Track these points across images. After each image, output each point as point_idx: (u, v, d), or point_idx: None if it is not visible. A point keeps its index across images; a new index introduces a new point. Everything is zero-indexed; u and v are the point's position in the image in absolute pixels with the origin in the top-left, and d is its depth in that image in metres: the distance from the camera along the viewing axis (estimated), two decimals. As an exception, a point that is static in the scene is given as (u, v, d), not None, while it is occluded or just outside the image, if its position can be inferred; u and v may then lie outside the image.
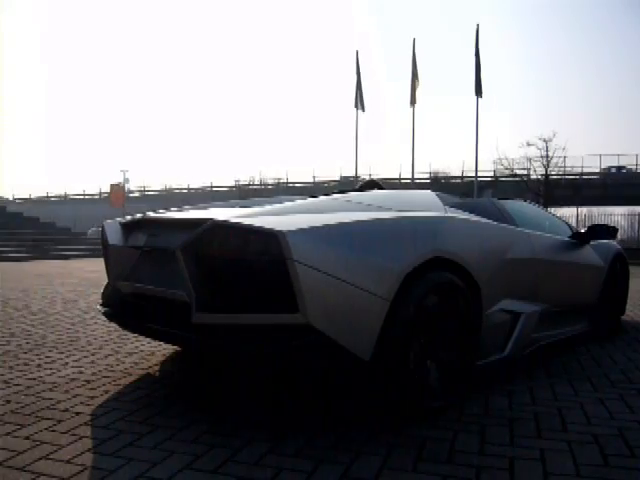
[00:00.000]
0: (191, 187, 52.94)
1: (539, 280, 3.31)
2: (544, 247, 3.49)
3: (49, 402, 2.64)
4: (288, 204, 2.55)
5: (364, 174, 42.00)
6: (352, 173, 32.30)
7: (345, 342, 2.14)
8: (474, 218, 3.00)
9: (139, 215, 2.92)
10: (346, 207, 2.59)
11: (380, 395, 2.40)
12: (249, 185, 46.35)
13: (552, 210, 34.75)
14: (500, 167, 33.83)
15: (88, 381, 2.99)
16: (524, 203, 4.17)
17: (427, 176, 44.17)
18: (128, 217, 3.01)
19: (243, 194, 42.12)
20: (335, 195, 2.82)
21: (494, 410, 2.57)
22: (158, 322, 2.54)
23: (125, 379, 3.05)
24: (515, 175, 34.46)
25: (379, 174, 46.91)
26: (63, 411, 2.53)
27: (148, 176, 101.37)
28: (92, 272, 11.03)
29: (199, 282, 2.28)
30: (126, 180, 46.59)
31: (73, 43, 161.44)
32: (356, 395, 2.77)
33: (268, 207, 2.52)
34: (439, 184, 42.89)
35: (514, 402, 2.69)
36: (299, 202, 2.61)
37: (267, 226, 2.10)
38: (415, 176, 31.20)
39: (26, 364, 3.36)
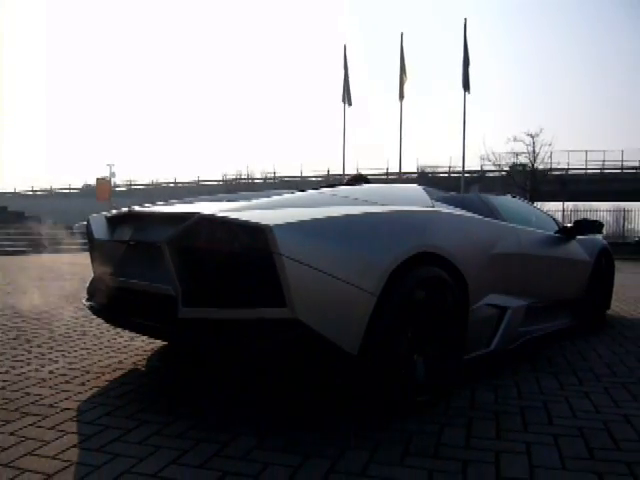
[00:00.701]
0: (178, 181, 52.62)
1: (526, 275, 3.33)
2: (531, 242, 3.51)
3: (35, 398, 2.62)
4: (275, 198, 2.54)
5: (351, 168, 42.05)
6: (339, 167, 32.33)
7: (333, 336, 2.14)
8: (461, 212, 3.01)
9: (125, 209, 2.89)
10: (333, 201, 2.58)
11: (367, 389, 2.40)
12: (237, 179, 46.17)
13: (538, 205, 34.98)
14: (487, 162, 34.05)
15: (75, 377, 2.97)
16: (511, 198, 4.19)
17: (414, 171, 44.22)
18: (114, 211, 2.98)
19: (231, 188, 41.92)
20: (322, 189, 2.81)
21: (480, 404, 2.59)
22: (144, 316, 2.52)
23: (112, 374, 3.03)
24: (502, 170, 34.68)
25: (366, 168, 46.96)
26: (49, 407, 2.51)
27: (135, 170, 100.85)
28: (81, 266, 10.93)
29: (185, 276, 2.26)
30: (112, 174, 46.19)
31: (60, 37, 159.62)
32: (343, 389, 2.77)
33: (255, 201, 2.50)
34: (426, 179, 42.99)
35: (500, 396, 2.71)
36: (286, 196, 2.60)
37: (254, 220, 2.09)
38: (402, 171, 31.30)
39: (15, 359, 3.32)
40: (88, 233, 3.04)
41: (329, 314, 2.13)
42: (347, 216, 2.31)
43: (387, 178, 45.09)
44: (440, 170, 44.90)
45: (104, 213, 3.07)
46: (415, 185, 3.21)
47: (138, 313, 2.57)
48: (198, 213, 2.24)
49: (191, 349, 2.63)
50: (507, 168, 33.08)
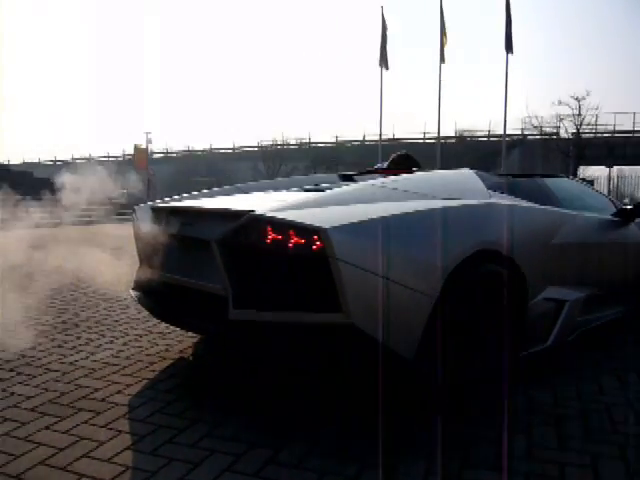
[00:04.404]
0: (214, 148, 52.74)
1: (584, 264, 3.18)
2: (589, 228, 3.34)
3: (86, 391, 2.64)
4: (326, 194, 2.43)
5: (388, 133, 41.49)
6: (375, 132, 31.91)
7: (388, 341, 2.07)
8: (519, 203, 2.87)
9: (171, 203, 2.83)
10: (385, 195, 2.47)
11: (421, 392, 2.33)
12: (272, 146, 45.97)
13: (582, 169, 34.02)
14: (529, 127, 33.17)
15: (123, 366, 2.99)
16: (567, 180, 4.00)
17: (452, 135, 43.23)
18: (160, 203, 2.93)
19: (266, 155, 41.86)
20: (372, 181, 2.68)
21: (539, 406, 2.48)
22: (193, 315, 2.49)
23: (159, 364, 3.03)
24: (544, 134, 33.77)
25: (403, 133, 46.29)
26: (100, 401, 2.53)
27: (171, 137, 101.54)
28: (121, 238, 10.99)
29: (236, 277, 2.21)
30: (149, 141, 46.58)
31: (94, 6, 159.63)
32: (396, 394, 2.67)
33: (305, 197, 2.40)
34: (464, 143, 42.04)
35: (559, 397, 2.60)
36: (337, 191, 2.49)
37: (308, 222, 2.01)
38: (440, 135, 30.70)
39: (61, 346, 3.36)
40: (134, 223, 3.01)
41: (385, 318, 2.06)
42: (404, 215, 2.20)
43: (424, 142, 44.32)
44: (479, 134, 43.81)
45: (150, 204, 3.03)
46: (468, 171, 3.06)
47: (186, 311, 2.54)
48: (249, 212, 2.16)
49: (241, 351, 2.60)
50: (549, 131, 32.17)
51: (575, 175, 33.53)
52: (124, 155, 52.42)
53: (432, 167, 31.16)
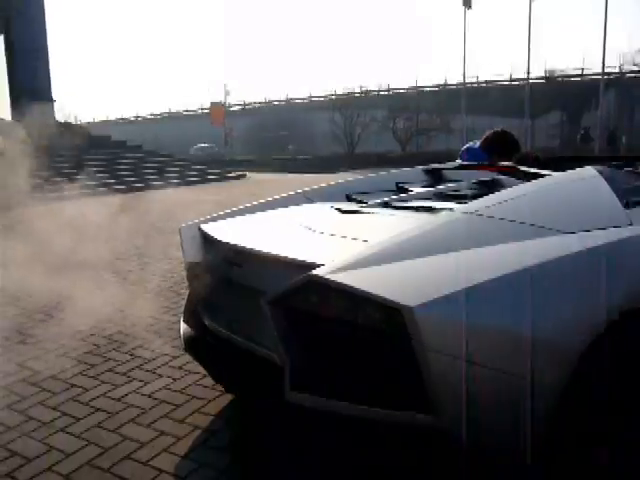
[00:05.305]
0: (290, 98, 52.15)
1: None
2: None
3: (131, 447, 2.30)
4: (408, 237, 1.81)
5: (472, 75, 39.37)
6: (460, 74, 30.17)
7: (494, 447, 1.54)
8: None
9: (220, 227, 2.35)
10: (484, 232, 1.82)
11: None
12: (347, 95, 44.61)
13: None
14: (629, 63, 30.30)
15: (175, 407, 2.63)
16: None
17: (542, 75, 40.30)
18: (207, 227, 2.45)
19: (342, 104, 40.66)
20: (466, 210, 2.00)
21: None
22: (240, 379, 2.06)
23: (216, 402, 2.66)
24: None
25: (488, 74, 43.91)
26: (144, 466, 2.17)
27: (248, 89, 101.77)
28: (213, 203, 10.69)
29: (295, 349, 1.72)
30: (227, 92, 46.62)
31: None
32: None
33: (382, 239, 1.82)
34: (555, 83, 39.12)
35: None
36: (419, 232, 1.84)
37: (385, 295, 1.47)
38: (530, 76, 28.62)
39: (111, 369, 3.06)
40: (181, 244, 2.57)
41: (490, 420, 1.52)
42: (514, 275, 1.58)
43: (510, 84, 41.72)
44: (571, 74, 40.64)
45: (197, 223, 2.57)
46: (591, 173, 2.28)
47: (233, 372, 2.11)
48: (309, 270, 1.63)
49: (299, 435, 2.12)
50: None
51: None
52: (202, 109, 52.85)
53: (520, 112, 29.15)
